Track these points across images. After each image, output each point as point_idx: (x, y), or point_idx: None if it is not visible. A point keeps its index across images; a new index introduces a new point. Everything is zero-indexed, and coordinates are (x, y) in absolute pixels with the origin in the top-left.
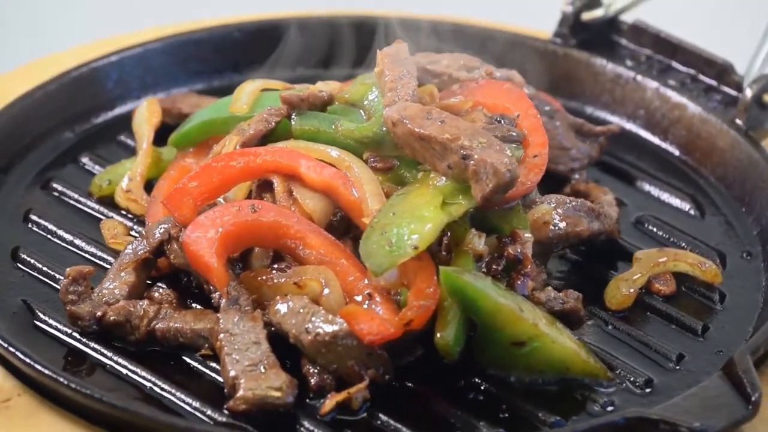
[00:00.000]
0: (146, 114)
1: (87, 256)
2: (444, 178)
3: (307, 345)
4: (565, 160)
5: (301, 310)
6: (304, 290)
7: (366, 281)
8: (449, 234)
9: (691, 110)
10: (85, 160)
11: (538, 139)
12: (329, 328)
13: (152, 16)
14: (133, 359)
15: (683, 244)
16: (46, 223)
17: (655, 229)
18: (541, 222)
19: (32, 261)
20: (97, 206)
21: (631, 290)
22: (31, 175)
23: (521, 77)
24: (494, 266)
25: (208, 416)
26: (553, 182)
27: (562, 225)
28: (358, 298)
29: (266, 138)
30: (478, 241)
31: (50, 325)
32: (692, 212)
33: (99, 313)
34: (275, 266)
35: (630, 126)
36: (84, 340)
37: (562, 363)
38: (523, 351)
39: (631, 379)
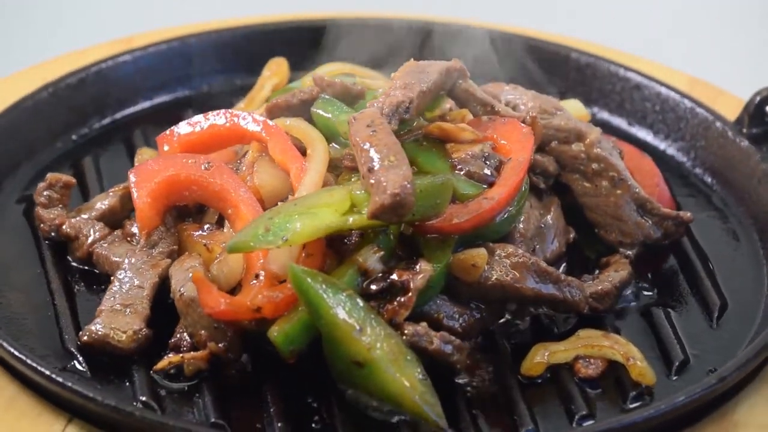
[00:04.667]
0: (266, 72)
1: None
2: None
3: (176, 302)
4: (614, 230)
5: (187, 269)
6: (212, 254)
7: (261, 261)
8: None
9: None
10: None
11: (504, 185)
12: (191, 293)
13: (147, 20)
14: (63, 271)
15: (660, 341)
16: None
17: (653, 321)
18: (468, 264)
19: (85, 171)
20: None
21: (545, 359)
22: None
23: (597, 136)
24: (373, 285)
25: (63, 341)
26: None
27: (498, 275)
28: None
29: (289, 111)
30: (370, 257)
31: (30, 221)
32: (710, 320)
33: (57, 222)
34: (206, 225)
35: (758, 225)
36: (41, 242)
37: (393, 397)
38: (362, 373)
39: None
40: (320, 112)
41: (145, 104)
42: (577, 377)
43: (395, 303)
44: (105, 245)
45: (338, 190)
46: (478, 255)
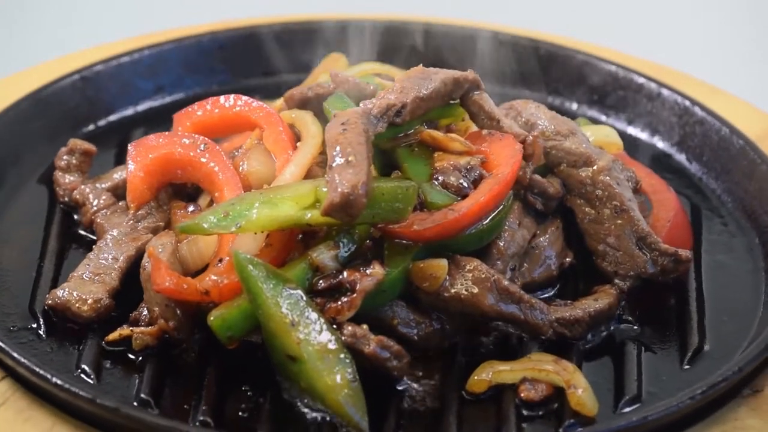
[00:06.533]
0: (323, 63)
1: None
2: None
3: (141, 277)
4: (610, 259)
5: (158, 246)
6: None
7: (231, 245)
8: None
9: None
10: None
11: (474, 199)
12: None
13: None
14: (64, 236)
15: (619, 374)
16: None
17: (621, 354)
18: (428, 273)
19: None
20: None
21: (489, 377)
22: None
23: (607, 163)
24: (321, 282)
25: (33, 301)
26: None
27: (457, 288)
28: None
29: (304, 103)
30: (323, 254)
31: (47, 183)
32: (683, 361)
33: (70, 187)
34: (191, 205)
35: None
36: (55, 206)
37: (320, 394)
38: (294, 367)
39: None
40: (330, 107)
41: (213, 88)
42: (518, 399)
43: (339, 302)
44: (106, 214)
45: (306, 184)
46: (438, 265)
